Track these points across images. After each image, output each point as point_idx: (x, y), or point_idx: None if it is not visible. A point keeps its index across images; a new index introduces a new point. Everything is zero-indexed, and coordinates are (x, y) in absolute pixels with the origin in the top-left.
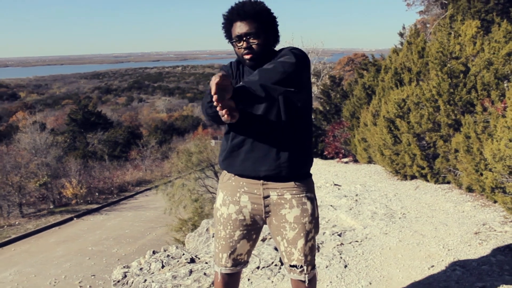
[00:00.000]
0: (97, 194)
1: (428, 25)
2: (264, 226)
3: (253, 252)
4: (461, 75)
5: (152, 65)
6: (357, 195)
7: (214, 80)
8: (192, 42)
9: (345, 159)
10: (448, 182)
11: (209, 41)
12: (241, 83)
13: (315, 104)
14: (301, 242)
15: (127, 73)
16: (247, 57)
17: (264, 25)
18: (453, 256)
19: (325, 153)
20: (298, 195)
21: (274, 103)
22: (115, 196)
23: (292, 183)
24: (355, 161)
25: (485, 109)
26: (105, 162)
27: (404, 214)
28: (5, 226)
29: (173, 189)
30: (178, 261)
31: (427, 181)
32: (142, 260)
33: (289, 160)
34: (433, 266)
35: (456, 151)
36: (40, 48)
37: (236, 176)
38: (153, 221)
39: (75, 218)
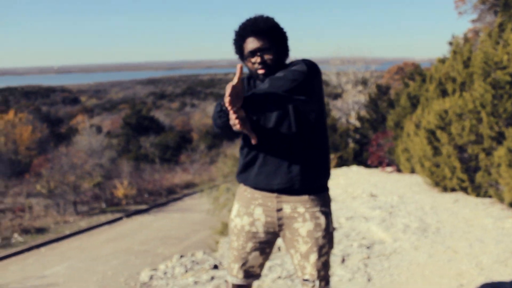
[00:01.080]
0: (146, 195)
1: (480, 34)
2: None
3: (276, 261)
4: (507, 86)
5: (204, 72)
6: (392, 206)
7: (230, 84)
8: None
9: (389, 169)
10: (490, 196)
11: None
12: (251, 91)
13: (362, 113)
14: (313, 257)
15: (181, 80)
16: (261, 72)
17: (276, 40)
18: (486, 276)
19: (369, 162)
20: (312, 209)
21: (285, 116)
22: (163, 198)
23: (306, 197)
24: (399, 170)
25: None
26: (156, 165)
27: (438, 228)
28: (61, 223)
29: (218, 193)
30: (202, 266)
31: (467, 194)
32: (169, 263)
33: (302, 173)
34: (462, 285)
35: (499, 165)
36: (101, 56)
37: (251, 188)
38: (198, 223)
39: (124, 218)
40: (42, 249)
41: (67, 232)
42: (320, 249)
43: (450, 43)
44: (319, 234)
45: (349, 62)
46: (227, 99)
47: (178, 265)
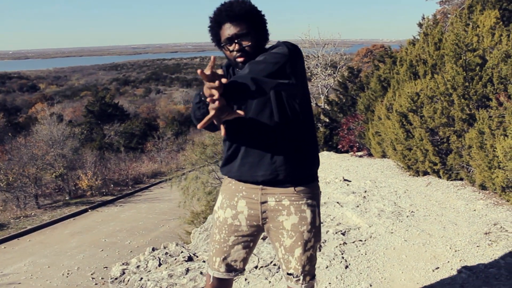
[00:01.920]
0: (112, 185)
1: (449, 16)
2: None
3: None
4: (477, 68)
5: (170, 56)
6: (366, 191)
7: (207, 70)
8: None
9: (359, 153)
10: (461, 179)
11: None
12: (231, 78)
13: (332, 96)
14: (298, 251)
15: (145, 65)
16: (240, 59)
17: (255, 25)
18: (460, 258)
19: (339, 146)
20: (297, 202)
21: (266, 103)
22: (130, 188)
23: (291, 189)
24: (369, 155)
25: (500, 104)
26: (121, 154)
27: (412, 212)
28: (22, 217)
29: (186, 182)
30: (175, 259)
31: (440, 177)
32: (141, 257)
33: (286, 163)
34: (438, 268)
35: (470, 147)
36: (60, 40)
37: (236, 180)
38: (166, 213)
39: (89, 210)
40: (2, 245)
41: (29, 227)
42: (305, 243)
43: (420, 25)
44: (304, 228)
45: (318, 45)
46: (207, 90)
47: (151, 258)
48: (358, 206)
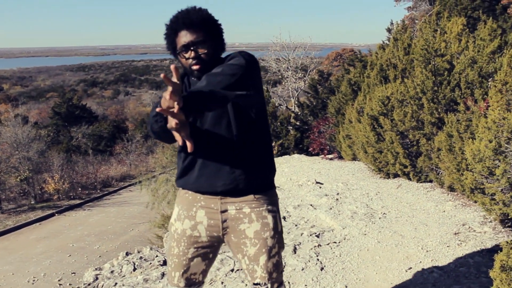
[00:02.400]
0: (80, 189)
1: (416, 21)
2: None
3: (228, 254)
4: (446, 73)
5: (139, 58)
6: (338, 193)
7: (168, 91)
8: None
9: (330, 156)
10: (431, 181)
11: None
12: (188, 90)
13: (302, 99)
14: (263, 259)
15: (114, 66)
16: (195, 67)
17: (211, 33)
18: (432, 258)
19: (310, 149)
20: (258, 209)
21: (223, 114)
22: (98, 191)
23: (251, 196)
24: (340, 157)
25: (468, 108)
26: (89, 157)
27: (384, 214)
28: None
29: (156, 184)
30: (150, 263)
31: (410, 179)
32: (115, 262)
33: (246, 172)
34: (411, 268)
35: (439, 149)
36: (25, 39)
37: (192, 191)
38: (136, 217)
39: (56, 214)
40: None
41: None
42: (269, 250)
43: (388, 30)
44: (267, 234)
45: (289, 48)
46: (166, 102)
47: (125, 263)
48: (331, 209)
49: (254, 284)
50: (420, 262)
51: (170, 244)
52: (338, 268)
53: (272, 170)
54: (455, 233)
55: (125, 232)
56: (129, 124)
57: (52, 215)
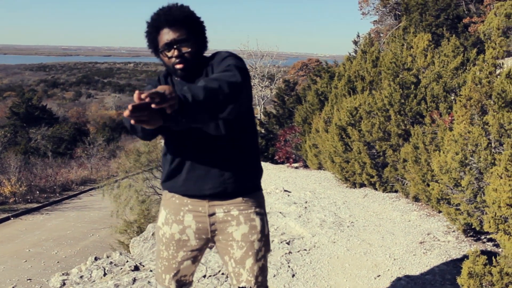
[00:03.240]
0: (38, 192)
1: (381, 35)
2: None
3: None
4: (412, 86)
5: (102, 60)
6: (306, 202)
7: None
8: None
9: (296, 164)
10: (396, 191)
11: None
12: (187, 95)
13: (269, 108)
14: (249, 262)
15: (76, 67)
16: (178, 66)
17: (194, 30)
18: (399, 266)
19: (276, 157)
20: (246, 211)
21: None
22: (57, 195)
23: (239, 199)
24: (306, 166)
25: (433, 121)
26: (48, 159)
27: (352, 222)
28: None
29: (119, 190)
30: (121, 268)
31: (376, 189)
32: (83, 267)
33: (235, 175)
34: (379, 275)
35: (405, 160)
36: None
37: (179, 195)
38: (97, 222)
39: (12, 218)
40: None
41: None
42: (256, 253)
43: (355, 42)
44: (255, 237)
45: (256, 56)
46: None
47: (95, 268)
48: (300, 216)
49: (239, 287)
50: (388, 270)
51: (159, 247)
52: (309, 275)
53: (259, 171)
54: (421, 242)
55: (85, 237)
56: (90, 127)
57: (7, 218)
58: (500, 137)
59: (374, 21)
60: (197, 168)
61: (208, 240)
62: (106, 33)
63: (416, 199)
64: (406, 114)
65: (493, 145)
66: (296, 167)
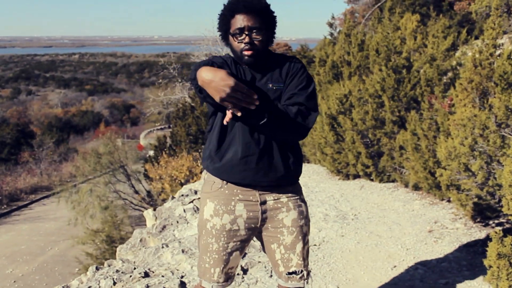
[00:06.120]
0: None
1: (357, 15)
2: None
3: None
4: (404, 71)
5: (43, 51)
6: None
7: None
8: (90, 27)
9: None
10: (393, 181)
11: (111, 26)
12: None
13: None
14: (299, 246)
15: (12, 61)
16: (247, 53)
17: (268, 22)
18: (413, 255)
19: None
20: (294, 197)
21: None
22: (5, 206)
23: (288, 188)
24: None
25: (431, 106)
26: None
27: (355, 215)
28: None
29: (78, 196)
30: (130, 276)
31: (372, 180)
32: (84, 278)
33: (292, 170)
34: (396, 266)
35: (402, 148)
36: None
37: (229, 183)
38: (54, 234)
39: None
40: None
41: None
42: (304, 237)
43: (330, 24)
44: (303, 222)
45: (222, 43)
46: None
47: (101, 278)
48: None
49: (289, 273)
50: (403, 260)
51: (207, 240)
52: (325, 270)
53: (301, 163)
54: (429, 231)
55: (43, 252)
56: (34, 128)
57: None
58: (507, 119)
59: (348, 0)
60: (263, 159)
61: (256, 229)
62: (45, 21)
63: (416, 187)
64: (401, 100)
65: (501, 127)
66: None
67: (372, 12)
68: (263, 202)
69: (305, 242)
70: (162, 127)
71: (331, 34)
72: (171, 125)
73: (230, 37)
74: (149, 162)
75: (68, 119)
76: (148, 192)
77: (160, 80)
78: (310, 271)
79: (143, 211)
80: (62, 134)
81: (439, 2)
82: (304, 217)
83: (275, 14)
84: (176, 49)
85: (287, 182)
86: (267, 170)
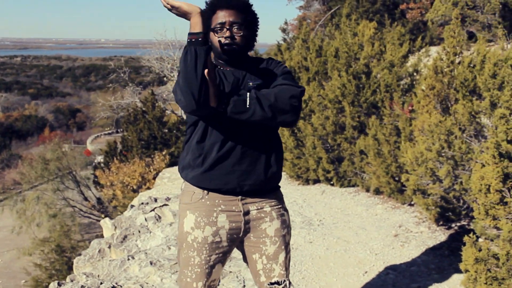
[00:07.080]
0: None
1: (309, 21)
2: None
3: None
4: (363, 76)
5: None
6: None
7: None
8: (34, 29)
9: None
10: (354, 185)
11: (55, 28)
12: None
13: None
14: (282, 256)
15: None
16: (227, 47)
17: (249, 21)
18: (382, 260)
19: None
20: (277, 206)
21: None
22: None
23: (270, 195)
24: None
25: (392, 111)
26: None
27: (320, 220)
28: None
29: (24, 204)
30: None
31: (332, 185)
32: None
33: (274, 173)
34: (367, 272)
35: (362, 153)
36: None
37: (210, 193)
38: None
39: None
40: None
41: None
42: (286, 246)
43: (283, 30)
44: (285, 231)
45: (175, 47)
46: None
47: None
48: None
49: (271, 283)
50: (373, 265)
51: (189, 254)
52: (298, 278)
53: (282, 167)
54: (395, 235)
55: None
56: None
57: None
58: (470, 125)
59: (300, 6)
60: (244, 162)
61: (237, 239)
62: None
63: (377, 192)
64: (361, 105)
65: (464, 133)
66: None
67: (325, 19)
68: (246, 213)
69: (287, 252)
70: (110, 132)
71: (284, 40)
72: (120, 130)
73: (211, 33)
74: (99, 168)
75: (10, 124)
76: (98, 199)
77: (110, 84)
78: (291, 282)
79: (92, 219)
80: (4, 139)
81: (391, 10)
82: (287, 226)
83: (257, 16)
84: (124, 53)
85: (270, 186)
86: (250, 174)
